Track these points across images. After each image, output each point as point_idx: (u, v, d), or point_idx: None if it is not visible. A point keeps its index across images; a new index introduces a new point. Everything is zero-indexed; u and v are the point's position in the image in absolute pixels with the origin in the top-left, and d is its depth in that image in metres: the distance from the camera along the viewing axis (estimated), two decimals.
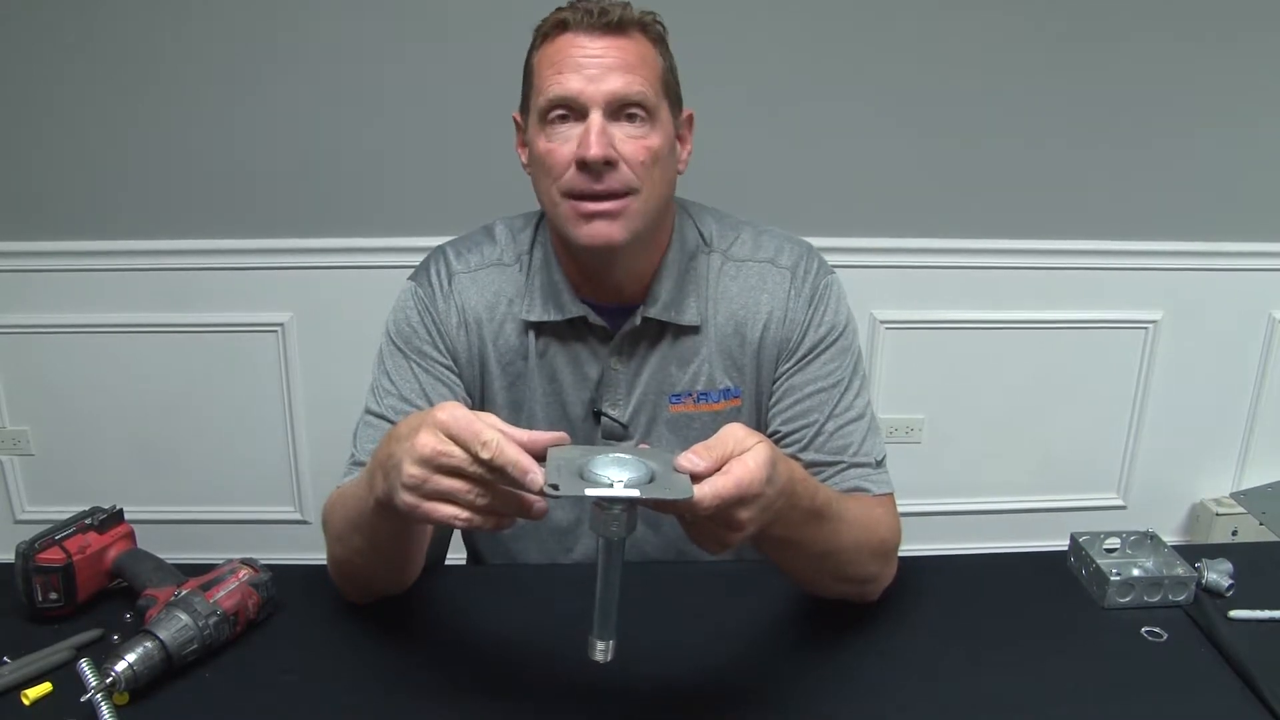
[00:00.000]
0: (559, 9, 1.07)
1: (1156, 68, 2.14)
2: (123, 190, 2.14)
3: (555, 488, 0.74)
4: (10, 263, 2.19)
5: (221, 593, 0.99)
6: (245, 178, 2.14)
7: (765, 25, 2.07)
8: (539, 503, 0.78)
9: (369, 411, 1.15)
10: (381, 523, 0.91)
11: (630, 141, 1.04)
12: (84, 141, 2.10)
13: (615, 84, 1.03)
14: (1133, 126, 2.19)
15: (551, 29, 1.06)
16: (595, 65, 1.03)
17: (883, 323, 2.33)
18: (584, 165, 1.02)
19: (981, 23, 2.09)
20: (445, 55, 2.04)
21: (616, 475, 0.75)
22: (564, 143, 1.04)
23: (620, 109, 1.04)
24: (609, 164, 1.02)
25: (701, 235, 1.18)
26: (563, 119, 1.04)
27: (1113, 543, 1.17)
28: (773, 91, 2.11)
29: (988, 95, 2.15)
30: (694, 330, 1.15)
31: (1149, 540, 1.17)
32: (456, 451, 0.77)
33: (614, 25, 1.04)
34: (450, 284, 1.16)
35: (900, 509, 1.12)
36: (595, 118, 1.02)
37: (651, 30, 1.08)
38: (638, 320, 1.13)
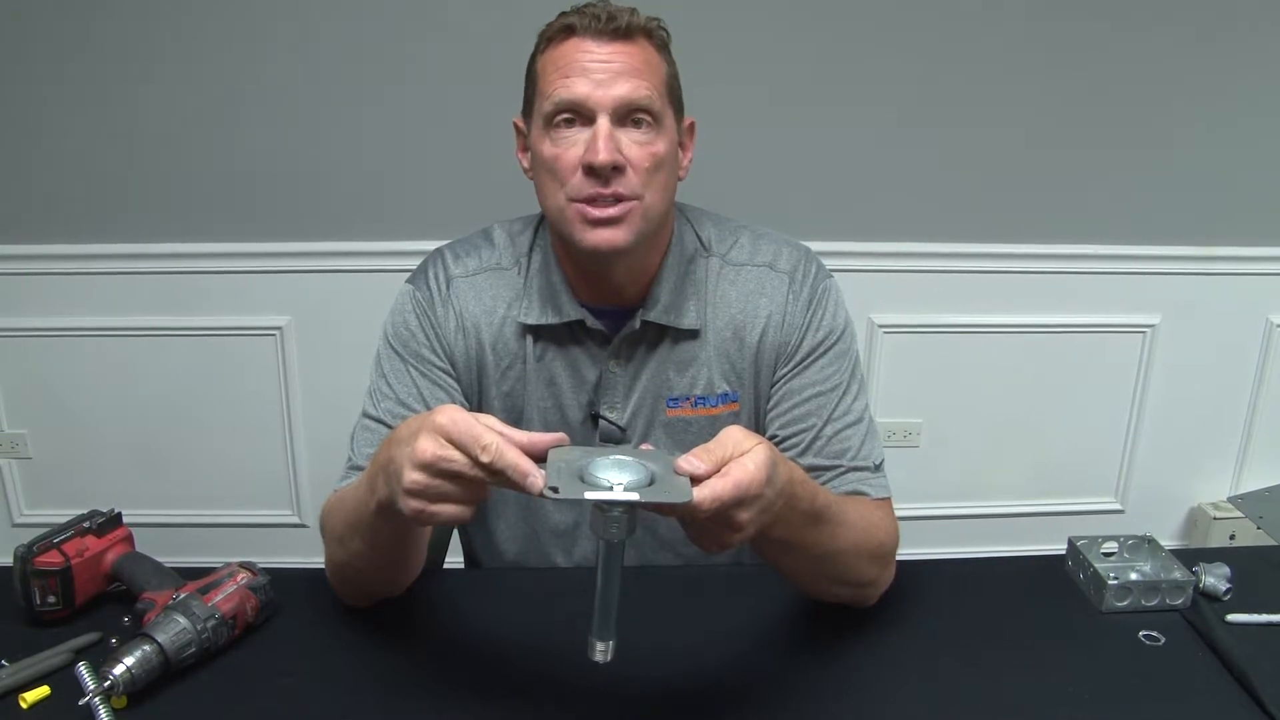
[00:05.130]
0: (564, 14, 1.06)
1: (1154, 71, 2.15)
2: (121, 193, 2.15)
3: (555, 490, 0.74)
4: (9, 266, 2.19)
5: (220, 596, 0.99)
6: (244, 181, 2.14)
7: (764, 30, 2.07)
8: (536, 485, 0.77)
9: (366, 415, 1.15)
10: (383, 525, 0.92)
11: (636, 147, 1.04)
12: (83, 144, 2.10)
13: (623, 89, 1.03)
14: (1131, 130, 2.20)
15: (557, 33, 1.06)
16: (603, 70, 1.03)
17: (881, 327, 2.33)
18: (591, 170, 1.02)
19: (980, 27, 2.09)
20: (444, 58, 2.04)
21: (616, 478, 0.75)
22: (570, 147, 1.04)
23: (627, 114, 1.04)
24: (616, 169, 1.03)
25: (700, 239, 1.18)
26: (569, 123, 1.04)
27: (1110, 547, 1.17)
28: (772, 96, 2.12)
29: (986, 99, 2.15)
30: (693, 334, 1.15)
31: (1147, 544, 1.17)
32: (456, 456, 0.78)
33: (622, 31, 1.04)
34: (448, 288, 1.16)
35: (898, 513, 1.12)
36: (603, 123, 1.02)
37: (656, 36, 1.08)
38: (637, 323, 1.13)
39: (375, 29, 2.02)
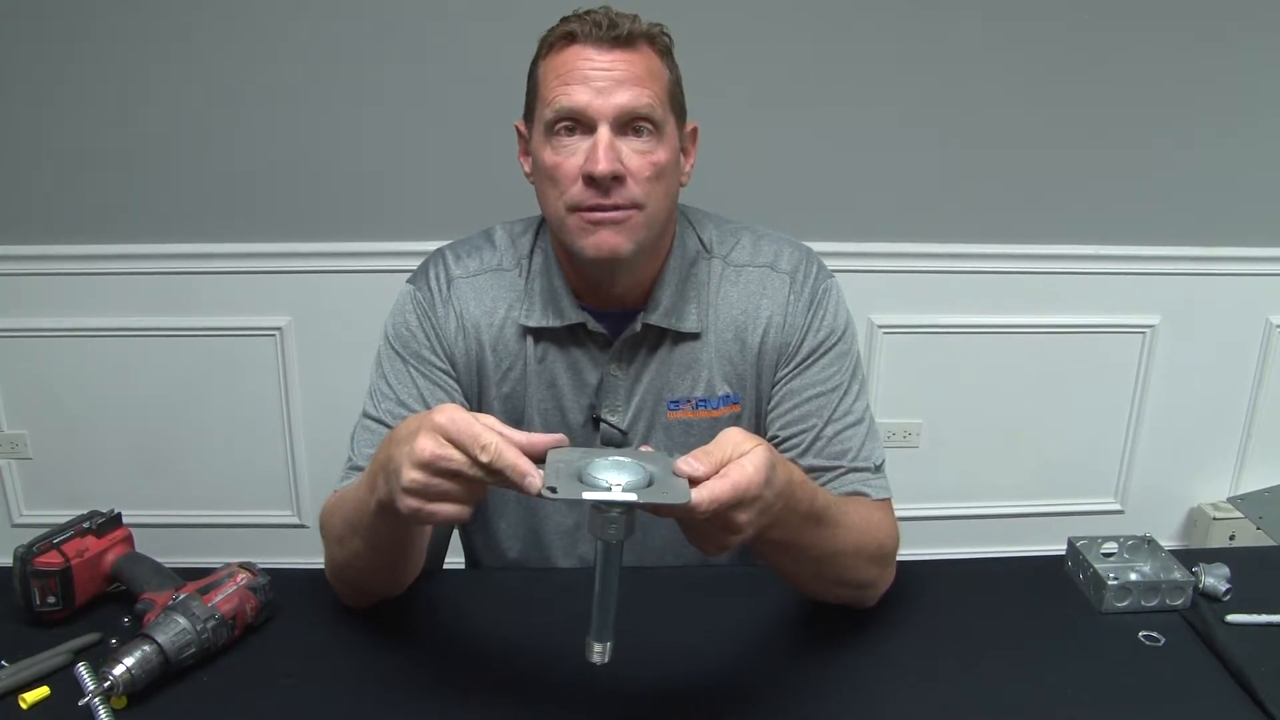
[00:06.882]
0: (566, 19, 1.06)
1: (1154, 72, 2.15)
2: (121, 194, 2.15)
3: (553, 490, 0.74)
4: (9, 266, 2.19)
5: (219, 597, 0.99)
6: (244, 181, 2.14)
7: (764, 31, 2.07)
8: (535, 485, 0.77)
9: (366, 416, 1.15)
10: (382, 524, 0.92)
11: (637, 156, 1.04)
12: (83, 144, 2.10)
13: (624, 98, 1.02)
14: (1131, 131, 2.20)
15: (559, 40, 1.05)
16: (604, 78, 1.02)
17: (881, 327, 2.33)
18: (591, 180, 1.02)
19: (978, 28, 2.09)
20: (445, 59, 2.04)
21: (615, 479, 0.75)
22: (570, 156, 1.04)
23: (628, 123, 1.03)
24: (616, 179, 1.02)
25: (701, 241, 1.18)
26: (569, 131, 1.04)
27: (1110, 547, 1.17)
28: (772, 96, 2.12)
29: (985, 100, 2.15)
30: (694, 337, 1.15)
31: (1146, 545, 1.17)
32: (455, 455, 0.78)
33: (623, 39, 1.03)
34: (449, 289, 1.16)
35: (898, 513, 1.12)
36: (603, 132, 1.02)
37: (659, 42, 1.08)
38: (638, 327, 1.13)
39: (375, 29, 2.02)
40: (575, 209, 1.04)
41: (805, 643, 1.04)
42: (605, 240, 1.04)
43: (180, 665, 0.94)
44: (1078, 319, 2.37)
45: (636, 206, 1.04)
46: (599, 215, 1.04)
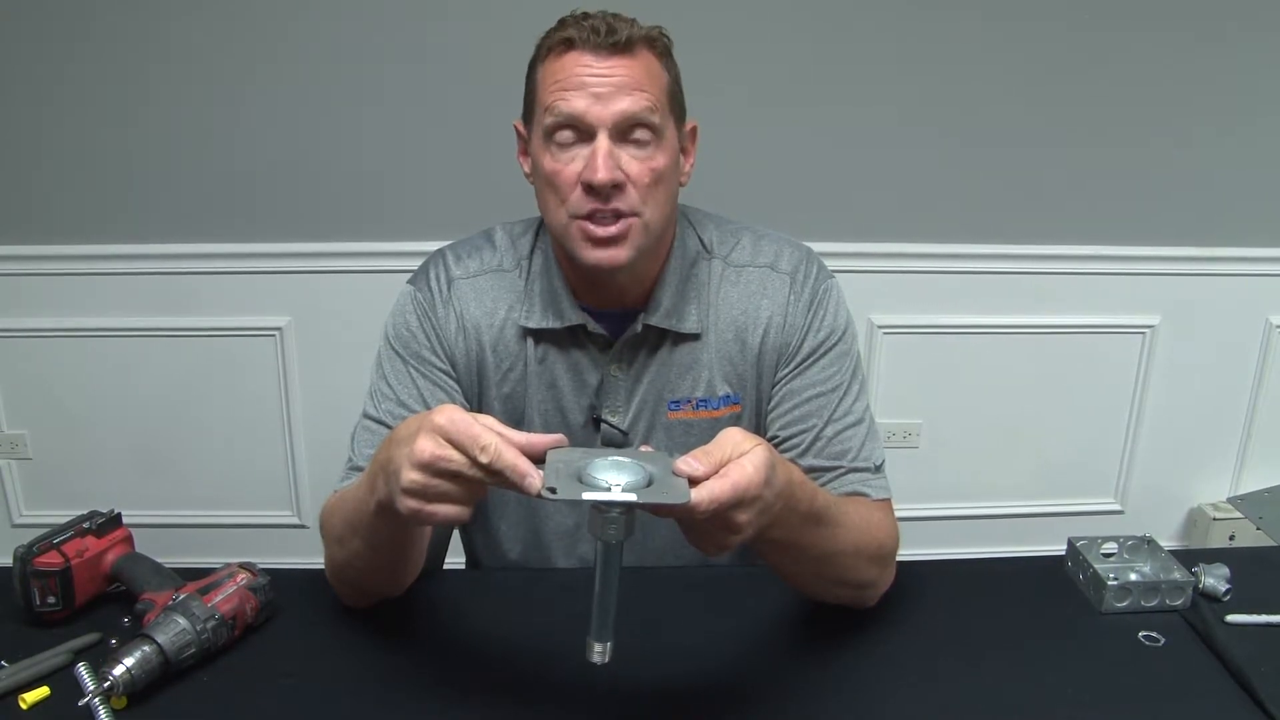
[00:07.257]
0: (564, 23, 1.05)
1: (1154, 72, 2.15)
2: (121, 194, 2.15)
3: (553, 491, 0.75)
4: (9, 266, 2.19)
5: (219, 597, 0.99)
6: (244, 181, 2.14)
7: (765, 31, 2.07)
8: (534, 485, 0.77)
9: (367, 416, 1.15)
10: (382, 525, 0.92)
11: (636, 163, 1.04)
12: (83, 145, 2.10)
13: (623, 105, 1.02)
14: (1130, 130, 2.20)
15: (557, 45, 1.04)
16: (602, 85, 1.02)
17: (880, 327, 2.33)
18: (590, 188, 1.02)
19: (978, 28, 2.09)
20: (445, 59, 2.04)
21: (614, 479, 0.75)
22: (569, 163, 1.03)
23: (627, 129, 1.03)
24: (616, 186, 1.02)
25: (702, 242, 1.18)
26: (568, 138, 1.04)
27: (1110, 547, 1.17)
28: (772, 96, 2.12)
29: (985, 100, 2.15)
30: (694, 337, 1.15)
31: (1146, 545, 1.17)
32: (455, 456, 0.78)
33: (621, 45, 1.03)
34: (449, 290, 1.16)
35: (898, 514, 1.12)
36: (602, 141, 1.02)
37: (658, 45, 1.07)
38: (638, 327, 1.13)
39: (375, 29, 2.02)
40: (576, 216, 1.05)
41: (805, 643, 1.04)
42: (605, 254, 1.05)
43: (180, 665, 0.94)
44: (1077, 319, 2.37)
45: (635, 214, 1.04)
46: (599, 232, 1.04)
